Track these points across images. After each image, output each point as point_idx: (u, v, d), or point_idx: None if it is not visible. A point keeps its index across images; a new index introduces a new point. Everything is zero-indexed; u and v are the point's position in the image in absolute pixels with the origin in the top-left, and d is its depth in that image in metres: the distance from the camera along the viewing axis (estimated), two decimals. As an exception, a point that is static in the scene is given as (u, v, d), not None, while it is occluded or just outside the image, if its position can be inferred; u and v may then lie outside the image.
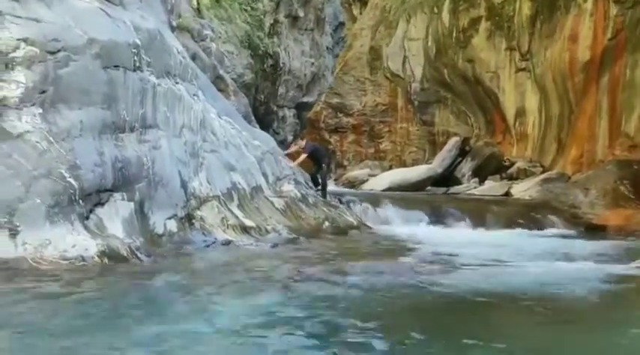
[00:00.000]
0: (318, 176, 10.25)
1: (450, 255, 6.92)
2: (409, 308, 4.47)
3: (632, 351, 3.54)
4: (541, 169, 14.92)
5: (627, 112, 12.99)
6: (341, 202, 10.30)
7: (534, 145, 15.54)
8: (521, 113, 15.73)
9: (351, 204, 10.50)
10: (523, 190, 13.72)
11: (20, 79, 5.88)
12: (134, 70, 6.95)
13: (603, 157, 13.27)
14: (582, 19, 13.72)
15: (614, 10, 13.03)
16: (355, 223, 9.45)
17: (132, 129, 6.89)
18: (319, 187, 10.12)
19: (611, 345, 3.65)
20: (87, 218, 5.97)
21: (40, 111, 5.92)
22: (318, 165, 10.34)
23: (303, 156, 10.05)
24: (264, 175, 9.07)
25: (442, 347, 3.46)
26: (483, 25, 15.86)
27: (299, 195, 9.26)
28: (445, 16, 16.64)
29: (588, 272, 5.91)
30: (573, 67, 13.92)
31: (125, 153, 6.60)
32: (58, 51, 6.15)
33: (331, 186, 13.89)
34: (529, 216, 10.94)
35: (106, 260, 5.52)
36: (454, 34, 16.44)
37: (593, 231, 10.25)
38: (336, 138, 18.81)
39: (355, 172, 17.16)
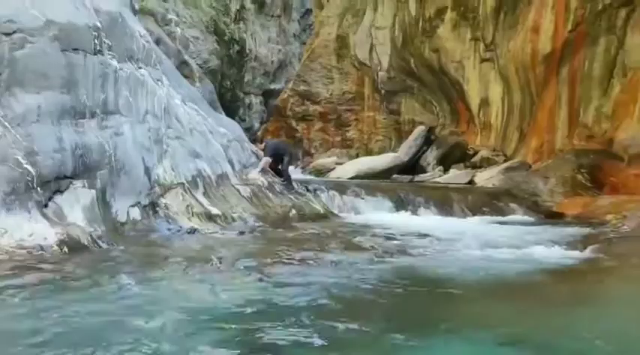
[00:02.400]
0: (280, 167, 10.10)
1: (417, 241, 7.02)
2: (376, 296, 4.51)
3: (584, 329, 3.69)
4: (504, 158, 15.24)
5: (585, 104, 13.37)
6: (308, 190, 10.28)
7: (497, 134, 15.85)
8: (485, 103, 15.99)
9: (318, 192, 10.50)
10: (486, 178, 14.00)
11: (-28, 61, 5.64)
12: (94, 54, 6.76)
13: (562, 147, 13.64)
14: (544, 11, 13.98)
15: (574, 2, 13.34)
16: (322, 211, 9.47)
17: (93, 115, 6.71)
18: (283, 180, 10.00)
19: (566, 324, 3.78)
20: (45, 206, 5.81)
21: (-5, 94, 5.70)
22: (280, 159, 10.10)
23: (266, 159, 9.66)
24: (230, 163, 8.98)
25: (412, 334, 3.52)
26: (449, 15, 15.99)
27: (266, 183, 9.22)
28: (412, 5, 16.70)
29: (542, 257, 6.10)
30: (535, 58, 14.20)
31: (86, 140, 6.43)
32: (14, 32, 5.93)
33: (298, 175, 13.85)
34: (492, 203, 11.17)
35: (65, 249, 5.39)
36: (420, 24, 16.54)
37: (553, 218, 10.55)
38: (303, 126, 18.75)
39: (322, 160, 17.17)
